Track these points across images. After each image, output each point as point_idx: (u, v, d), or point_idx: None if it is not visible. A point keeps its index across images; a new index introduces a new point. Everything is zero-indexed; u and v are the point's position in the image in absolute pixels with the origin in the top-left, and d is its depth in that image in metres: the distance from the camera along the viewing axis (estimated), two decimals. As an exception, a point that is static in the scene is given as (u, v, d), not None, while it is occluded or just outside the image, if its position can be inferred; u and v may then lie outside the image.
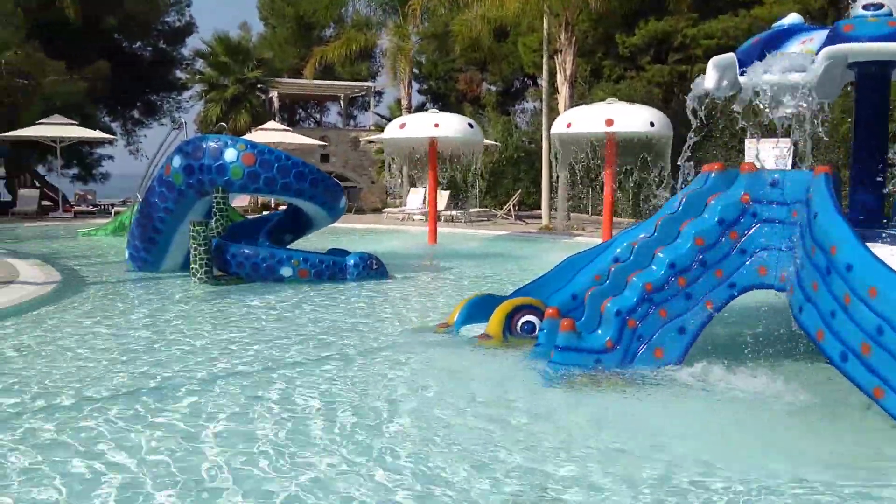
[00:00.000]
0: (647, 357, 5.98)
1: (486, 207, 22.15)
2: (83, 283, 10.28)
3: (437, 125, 14.69)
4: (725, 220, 6.04)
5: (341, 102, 36.77)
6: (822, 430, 4.77)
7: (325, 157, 31.56)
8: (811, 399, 5.23)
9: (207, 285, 10.13)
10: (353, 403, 5.31)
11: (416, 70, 44.39)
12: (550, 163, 21.44)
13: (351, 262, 10.75)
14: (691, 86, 6.74)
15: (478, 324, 7.41)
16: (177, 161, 10.36)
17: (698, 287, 6.01)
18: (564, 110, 18.90)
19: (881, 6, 5.59)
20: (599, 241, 16.21)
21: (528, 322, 7.13)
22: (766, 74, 5.65)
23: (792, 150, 17.78)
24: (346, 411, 5.12)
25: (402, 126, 14.98)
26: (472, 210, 21.55)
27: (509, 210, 21.78)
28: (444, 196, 22.50)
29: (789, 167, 17.79)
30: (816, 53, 5.57)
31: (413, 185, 24.24)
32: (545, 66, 20.78)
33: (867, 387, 4.53)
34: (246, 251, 10.39)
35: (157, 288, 10.03)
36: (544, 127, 20.68)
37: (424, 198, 23.78)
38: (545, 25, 20.50)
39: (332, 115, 45.92)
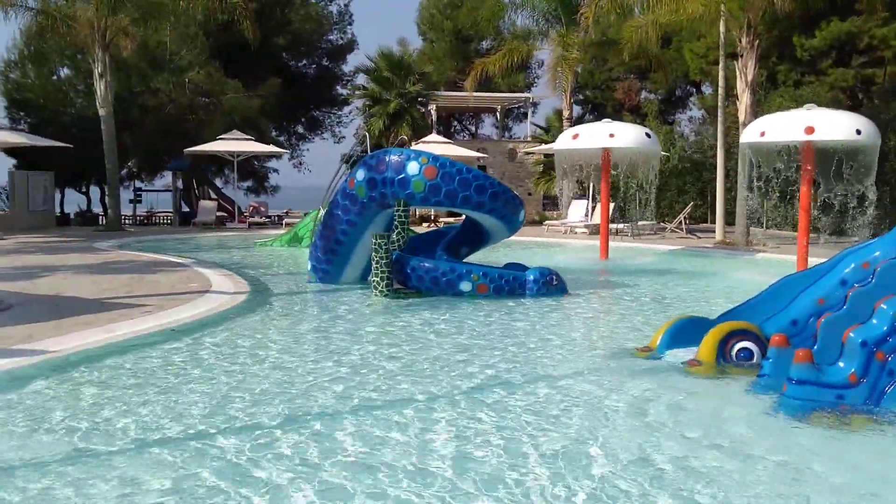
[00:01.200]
0: (899, 395, 5.26)
1: (654, 220, 21.26)
2: (270, 295, 10.54)
3: (612, 135, 14.17)
4: None
5: (497, 114, 36.81)
6: None
7: (481, 169, 31.61)
8: None
9: (388, 298, 10.12)
10: (566, 433, 4.94)
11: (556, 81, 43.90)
12: (728, 173, 20.34)
13: (531, 277, 10.44)
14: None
15: (681, 348, 6.91)
16: (360, 174, 10.44)
17: (963, 317, 5.22)
18: (745, 118, 17.82)
19: None
20: (785, 258, 15.13)
21: (744, 349, 6.52)
22: None
23: None
24: (564, 440, 4.77)
25: (576, 137, 14.56)
26: (639, 223, 20.76)
27: (680, 223, 20.81)
28: (605, 208, 21.81)
29: None
30: None
31: (576, 196, 23.68)
32: (721, 73, 19.74)
33: None
34: (426, 265, 10.31)
35: (341, 300, 10.11)
36: (720, 134, 19.64)
37: (587, 209, 23.20)
38: (721, 29, 19.48)
39: (488, 127, 46.13)
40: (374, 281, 10.27)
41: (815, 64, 27.44)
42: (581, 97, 42.54)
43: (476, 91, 30.99)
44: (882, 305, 5.39)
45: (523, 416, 5.28)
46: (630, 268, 13.93)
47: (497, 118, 38.01)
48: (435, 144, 26.59)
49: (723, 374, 6.35)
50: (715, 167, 25.05)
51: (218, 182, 33.16)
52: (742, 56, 17.70)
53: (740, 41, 17.75)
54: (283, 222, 24.53)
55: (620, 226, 20.58)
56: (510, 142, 32.69)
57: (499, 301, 9.98)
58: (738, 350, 6.52)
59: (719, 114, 19.91)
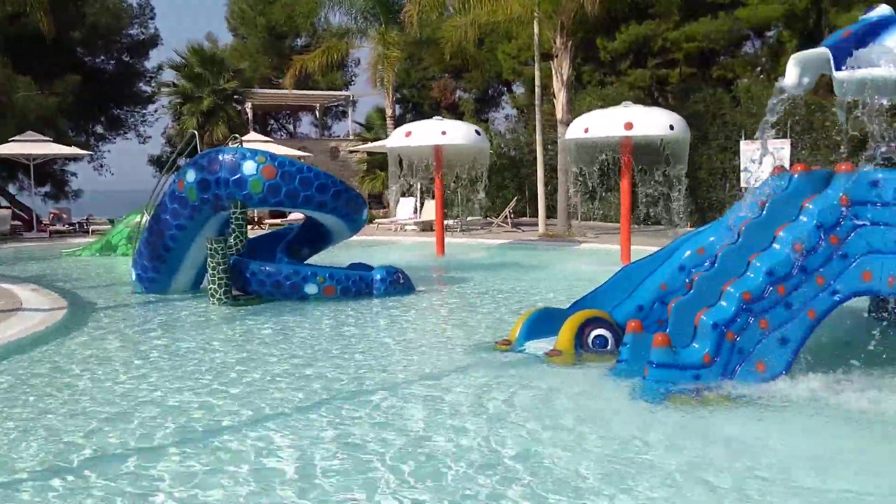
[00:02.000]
0: (748, 371, 5.62)
1: (481, 216, 21.79)
2: (94, 309, 9.65)
3: (444, 133, 14.28)
4: (825, 224, 5.72)
5: (317, 112, 36.22)
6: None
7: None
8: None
9: (227, 306, 9.57)
10: (446, 432, 4.84)
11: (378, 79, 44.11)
12: (546, 169, 21.19)
13: (378, 276, 10.27)
14: (779, 84, 6.36)
15: (540, 339, 7.04)
16: (191, 175, 9.78)
17: (799, 295, 5.67)
18: (562, 115, 18.65)
19: None
20: (607, 247, 16.00)
21: (599, 336, 6.74)
22: (872, 69, 5.33)
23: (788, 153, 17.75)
24: (437, 437, 4.67)
25: (409, 134, 14.53)
26: (468, 219, 21.17)
27: (506, 218, 21.43)
28: (433, 205, 22.03)
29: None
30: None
31: (402, 194, 23.73)
32: (537, 72, 20.52)
33: None
34: (267, 268, 9.84)
35: (173, 311, 9.42)
36: (538, 132, 20.40)
37: (415, 207, 23.33)
38: (535, 30, 20.25)
39: (306, 125, 45.34)
40: (210, 288, 9.67)
41: (616, 65, 29.31)
42: (398, 96, 42.85)
43: (294, 88, 30.35)
44: (729, 288, 5.74)
45: (390, 419, 5.13)
46: (467, 263, 14.12)
47: (316, 116, 37.39)
48: (255, 143, 25.67)
49: (582, 362, 6.51)
50: (531, 163, 26.15)
51: (11, 188, 30.11)
52: (557, 56, 18.51)
53: (555, 42, 18.54)
54: (90, 230, 22.67)
55: (450, 222, 20.87)
56: (331, 140, 32.26)
57: (347, 302, 9.74)
58: (595, 338, 6.73)
59: (537, 112, 20.69)
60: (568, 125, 18.70)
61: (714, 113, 19.76)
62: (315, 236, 10.91)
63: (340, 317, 8.89)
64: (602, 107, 21.52)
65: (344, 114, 44.84)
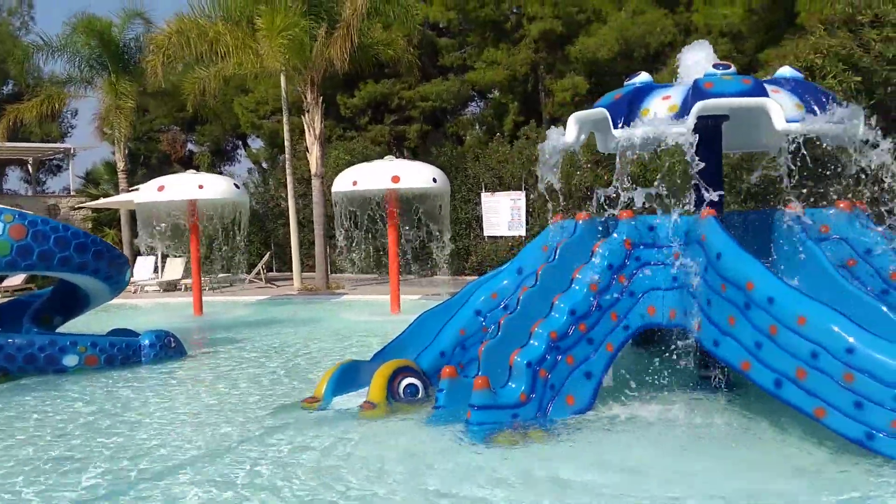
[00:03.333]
0: (559, 406, 5.99)
1: (230, 272, 21.00)
2: None
3: (201, 186, 13.66)
4: (613, 264, 6.32)
5: (29, 166, 32.78)
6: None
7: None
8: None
9: (-34, 387, 8.25)
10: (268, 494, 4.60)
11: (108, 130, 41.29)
12: (302, 222, 21.05)
13: (146, 342, 9.46)
14: (547, 138, 6.98)
15: (347, 393, 6.93)
16: (-85, 238, 8.37)
17: (598, 331, 6.19)
18: (316, 169, 18.71)
19: (728, 66, 6.34)
20: (370, 297, 16.17)
21: (410, 385, 6.79)
22: (642, 127, 6.06)
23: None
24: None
25: (161, 188, 13.68)
26: (219, 276, 20.27)
27: (258, 273, 20.83)
28: (177, 263, 20.88)
29: (523, 218, 19.36)
30: (681, 107, 6.10)
31: (138, 252, 22.21)
32: (286, 126, 20.47)
33: (807, 408, 4.96)
34: (16, 340, 8.66)
35: None
36: (290, 186, 20.25)
37: (155, 266, 21.90)
38: (283, 85, 20.26)
39: (13, 181, 40.87)
40: (-56, 368, 8.29)
41: (356, 120, 30.14)
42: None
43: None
44: (538, 329, 6.10)
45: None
46: (232, 321, 13.47)
47: (28, 171, 33.81)
48: (-40, 201, 22.62)
49: (396, 412, 6.51)
50: (277, 217, 25.81)
51: None
52: (308, 111, 18.60)
53: (305, 97, 18.64)
54: None
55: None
56: (49, 196, 29.30)
57: (111, 372, 8.84)
58: (406, 386, 6.76)
59: (287, 165, 20.56)
60: (321, 178, 18.90)
61: (456, 166, 20.97)
62: (70, 302, 9.81)
63: (108, 390, 8.04)
64: (351, 161, 22.06)
65: (58, 168, 41.19)
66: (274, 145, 33.47)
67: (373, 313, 13.63)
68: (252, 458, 5.45)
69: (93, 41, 22.92)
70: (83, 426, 6.60)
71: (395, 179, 12.30)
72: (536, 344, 6.05)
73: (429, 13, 26.82)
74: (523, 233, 19.34)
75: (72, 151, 30.23)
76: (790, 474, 4.73)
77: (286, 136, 20.38)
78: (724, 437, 5.48)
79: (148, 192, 13.87)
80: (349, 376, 7.08)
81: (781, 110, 5.77)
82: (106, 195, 27.23)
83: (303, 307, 15.49)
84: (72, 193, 30.30)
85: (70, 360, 8.83)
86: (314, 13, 17.58)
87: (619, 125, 6.27)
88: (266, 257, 20.54)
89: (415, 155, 29.56)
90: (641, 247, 6.40)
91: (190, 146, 41.62)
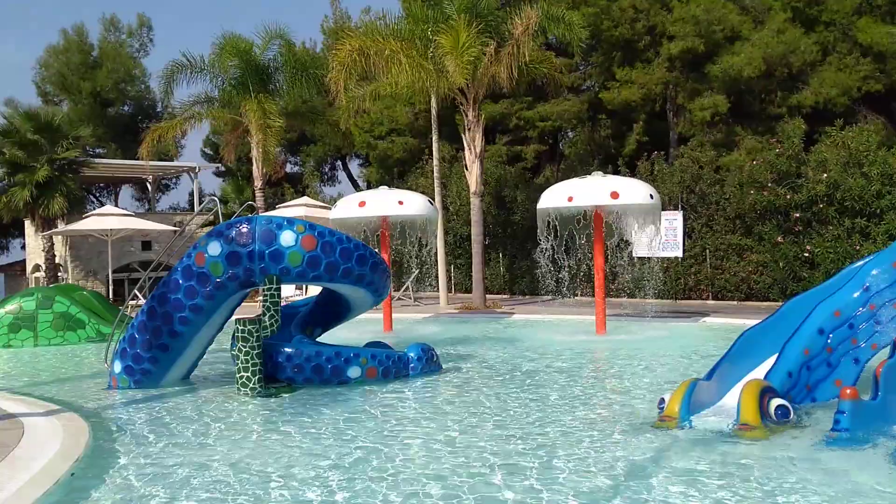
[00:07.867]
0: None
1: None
2: (101, 424, 7.77)
3: (401, 202, 13.65)
4: None
5: (149, 184, 33.54)
6: None
7: (146, 245, 28.44)
8: None
9: (261, 397, 8.20)
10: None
11: (211, 151, 42.17)
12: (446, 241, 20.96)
13: (413, 355, 9.36)
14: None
15: (701, 412, 6.67)
16: (214, 248, 8.41)
17: None
18: (476, 187, 18.63)
19: None
20: (547, 318, 15.86)
21: (781, 406, 6.49)
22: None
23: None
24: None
25: (362, 204, 13.71)
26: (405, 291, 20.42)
27: (406, 290, 20.78)
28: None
29: (680, 238, 18.97)
30: None
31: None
32: (435, 145, 20.50)
33: None
34: (305, 351, 8.63)
35: (198, 409, 7.88)
36: (439, 206, 20.19)
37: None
38: (433, 104, 20.27)
39: (125, 199, 42.07)
40: (242, 377, 8.30)
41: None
42: (223, 168, 40.98)
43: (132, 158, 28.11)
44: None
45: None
46: (432, 336, 13.20)
47: (146, 188, 34.62)
48: (111, 217, 23.29)
49: (774, 433, 6.20)
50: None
51: None
52: (470, 129, 18.56)
53: (467, 115, 18.62)
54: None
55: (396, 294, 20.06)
56: (178, 214, 29.88)
57: (387, 384, 8.77)
58: (776, 407, 6.48)
59: (436, 183, 20.55)
60: (481, 197, 18.81)
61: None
62: (331, 313, 9.81)
63: (416, 401, 7.94)
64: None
65: (167, 186, 42.18)
66: (384, 166, 33.71)
67: (573, 333, 13.39)
68: (647, 475, 5.21)
69: (236, 60, 23.35)
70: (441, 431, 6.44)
71: (615, 195, 12.07)
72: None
73: (556, 32, 26.79)
74: (680, 253, 18.95)
75: (197, 170, 30.80)
76: None
77: (435, 154, 20.39)
78: None
79: (348, 208, 13.90)
80: (699, 395, 6.83)
81: None
82: (230, 214, 27.61)
83: (485, 325, 15.32)
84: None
85: (354, 372, 8.78)
86: (488, 32, 17.58)
87: None
88: (415, 275, 20.46)
89: (534, 174, 29.44)
90: None
91: (290, 165, 42.36)
